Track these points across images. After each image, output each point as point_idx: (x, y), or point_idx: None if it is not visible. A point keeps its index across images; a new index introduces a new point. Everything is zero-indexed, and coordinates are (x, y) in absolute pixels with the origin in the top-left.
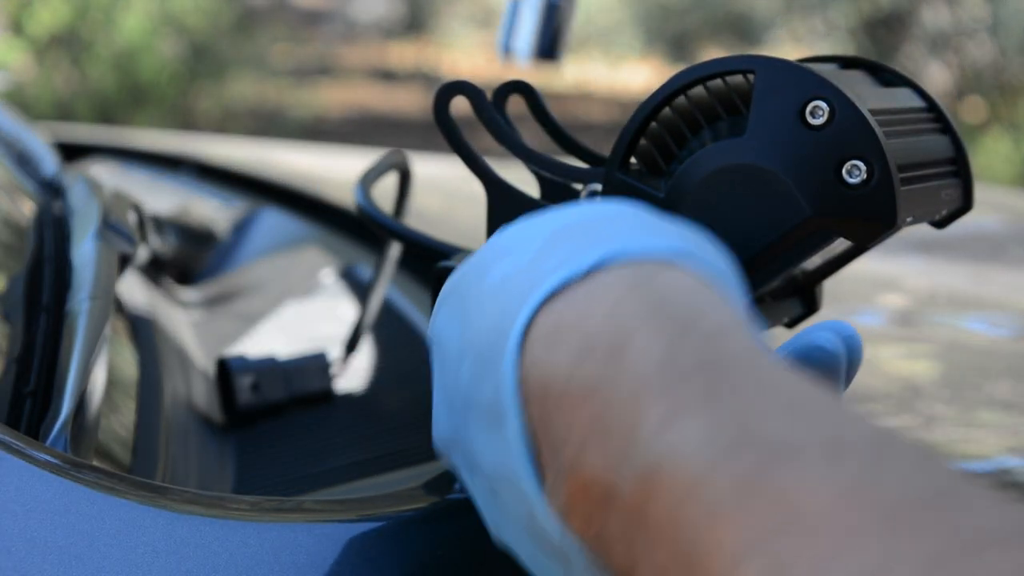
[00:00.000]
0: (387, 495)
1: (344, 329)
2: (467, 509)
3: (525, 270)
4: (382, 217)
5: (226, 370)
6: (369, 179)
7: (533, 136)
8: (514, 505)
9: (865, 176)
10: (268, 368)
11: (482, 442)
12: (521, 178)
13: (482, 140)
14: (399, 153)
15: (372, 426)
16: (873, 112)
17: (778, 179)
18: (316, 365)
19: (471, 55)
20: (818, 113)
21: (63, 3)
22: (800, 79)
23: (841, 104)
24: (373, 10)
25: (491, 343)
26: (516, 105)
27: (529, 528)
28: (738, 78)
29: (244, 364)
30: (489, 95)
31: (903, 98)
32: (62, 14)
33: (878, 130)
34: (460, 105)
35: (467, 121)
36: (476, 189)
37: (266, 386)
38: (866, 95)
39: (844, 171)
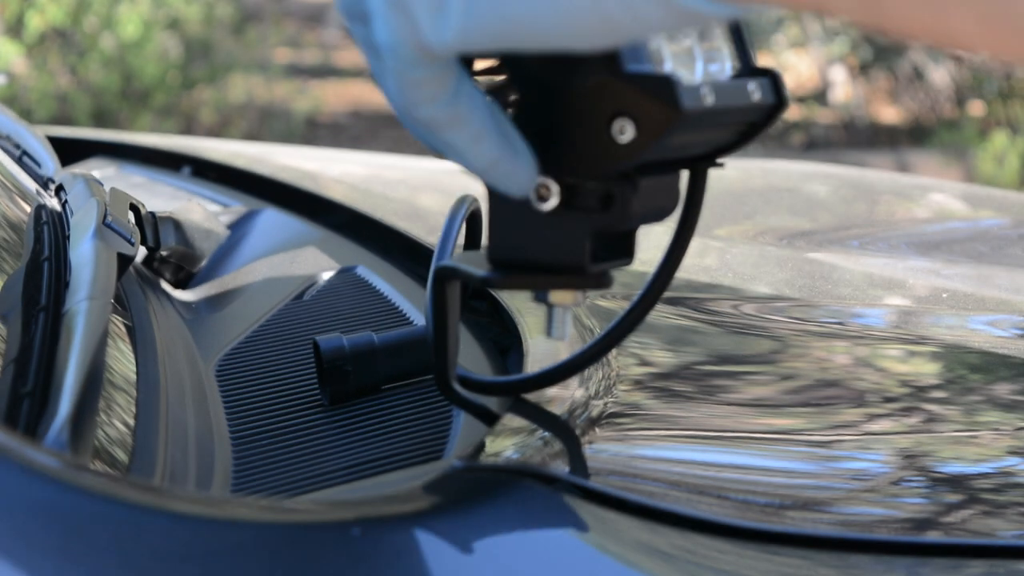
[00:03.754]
0: (387, 495)
1: (343, 329)
2: (466, 509)
3: None
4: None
5: (321, 352)
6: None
7: None
8: None
9: None
10: (364, 348)
11: None
12: None
13: None
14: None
15: (372, 426)
16: None
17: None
18: (412, 341)
19: None
20: None
21: (62, 3)
22: None
23: None
24: None
25: None
26: None
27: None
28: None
29: (338, 344)
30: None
31: None
32: (61, 14)
33: None
34: None
35: None
36: (476, 189)
37: (363, 367)
38: None
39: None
